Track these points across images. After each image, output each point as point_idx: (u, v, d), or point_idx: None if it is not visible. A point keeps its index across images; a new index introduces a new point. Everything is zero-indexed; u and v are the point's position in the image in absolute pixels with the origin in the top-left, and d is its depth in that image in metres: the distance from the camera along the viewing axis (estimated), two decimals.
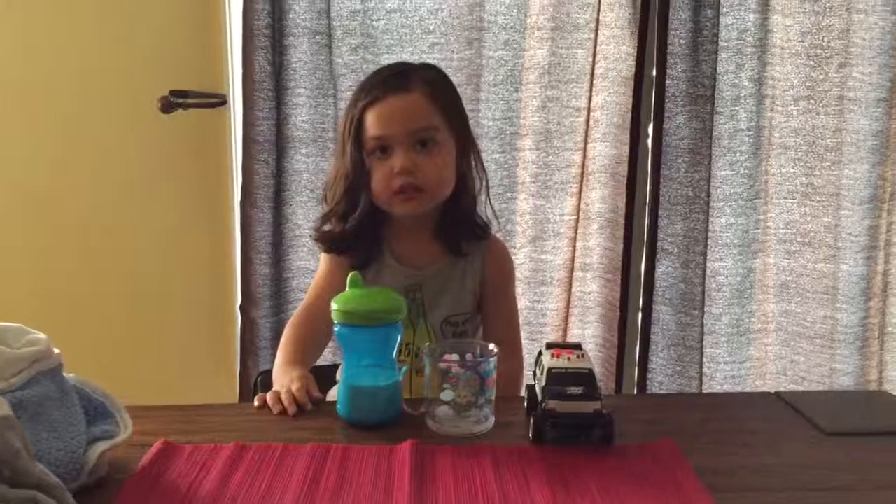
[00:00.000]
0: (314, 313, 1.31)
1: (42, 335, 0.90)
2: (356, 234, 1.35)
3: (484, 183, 1.41)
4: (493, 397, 1.07)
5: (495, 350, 1.07)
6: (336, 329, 1.05)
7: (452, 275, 1.38)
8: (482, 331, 1.42)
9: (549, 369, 1.04)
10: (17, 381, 0.87)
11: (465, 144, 1.37)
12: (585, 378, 1.03)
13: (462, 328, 1.38)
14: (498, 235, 1.48)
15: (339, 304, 1.05)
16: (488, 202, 1.43)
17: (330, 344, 1.43)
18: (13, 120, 1.89)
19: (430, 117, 1.31)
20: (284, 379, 1.21)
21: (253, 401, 1.18)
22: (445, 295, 1.37)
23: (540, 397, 1.06)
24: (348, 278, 1.08)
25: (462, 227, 1.38)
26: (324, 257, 1.40)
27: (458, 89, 1.49)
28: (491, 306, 1.40)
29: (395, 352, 1.09)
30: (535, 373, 1.11)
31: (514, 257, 2.02)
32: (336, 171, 1.37)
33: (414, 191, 1.31)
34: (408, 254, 1.38)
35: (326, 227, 1.38)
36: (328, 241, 1.37)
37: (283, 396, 1.14)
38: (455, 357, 1.06)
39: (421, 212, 1.35)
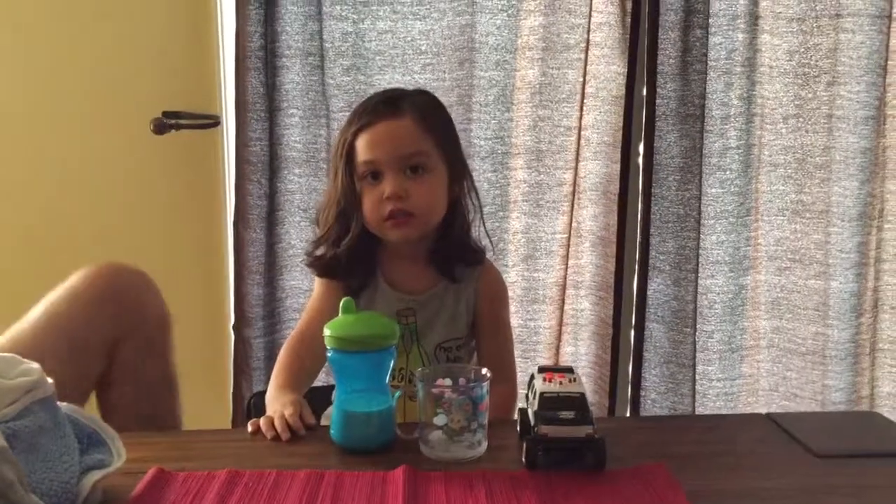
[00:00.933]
0: (308, 338, 1.32)
1: (35, 364, 0.90)
2: (349, 259, 1.35)
3: (478, 209, 1.41)
4: (485, 422, 1.08)
5: (488, 375, 1.08)
6: (329, 354, 1.06)
7: (446, 300, 1.38)
8: (476, 356, 1.42)
9: (541, 394, 1.05)
10: (11, 412, 0.87)
11: (457, 170, 1.38)
12: (577, 402, 1.04)
13: (456, 353, 1.38)
14: (491, 258, 1.48)
15: (331, 330, 1.05)
16: (482, 226, 1.44)
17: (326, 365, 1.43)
18: (6, 142, 1.89)
19: (421, 143, 1.32)
20: (277, 404, 1.21)
21: (246, 424, 1.18)
22: (439, 320, 1.38)
23: (532, 422, 1.06)
24: (341, 304, 1.09)
25: (456, 253, 1.38)
26: (318, 281, 1.41)
27: (450, 109, 1.52)
28: (485, 331, 1.41)
29: (388, 377, 1.10)
30: (527, 396, 1.12)
31: (506, 276, 2.03)
32: (328, 197, 1.38)
33: (404, 216, 1.31)
34: (401, 279, 1.39)
35: (319, 252, 1.38)
36: (321, 267, 1.37)
37: (277, 422, 1.15)
38: (448, 382, 1.06)
39: (412, 238, 1.35)
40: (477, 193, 1.42)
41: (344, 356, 1.04)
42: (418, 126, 1.32)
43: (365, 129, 1.32)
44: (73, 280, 1.34)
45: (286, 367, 1.32)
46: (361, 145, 1.32)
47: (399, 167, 1.31)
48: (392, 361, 1.08)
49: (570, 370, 1.08)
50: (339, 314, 1.07)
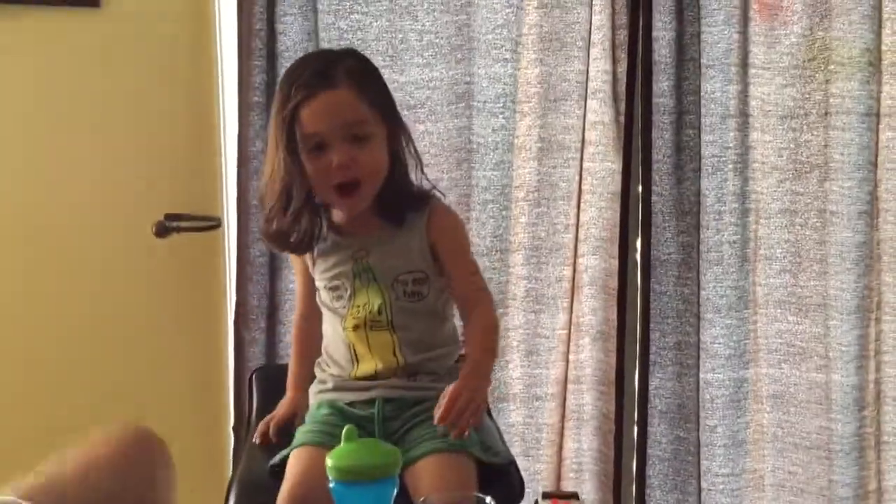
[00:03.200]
0: (305, 317, 1.57)
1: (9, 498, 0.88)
2: (298, 222, 1.43)
3: (418, 163, 1.48)
4: None
5: (492, 502, 1.05)
6: (331, 485, 1.04)
7: (396, 236, 1.45)
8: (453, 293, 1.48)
9: None
10: None
11: (394, 127, 1.44)
12: None
13: (414, 287, 1.44)
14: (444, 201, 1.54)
15: (333, 460, 1.04)
16: (424, 178, 1.50)
17: None
18: (7, 240, 1.90)
19: (360, 111, 1.38)
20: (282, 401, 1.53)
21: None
22: (391, 255, 1.45)
23: None
24: (343, 433, 1.07)
25: (400, 201, 1.45)
26: (294, 264, 1.59)
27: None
28: (446, 263, 1.46)
29: None
30: None
31: (506, 371, 2.04)
32: (270, 171, 1.44)
33: (352, 188, 1.39)
34: (349, 228, 1.47)
35: (272, 229, 1.45)
36: (277, 239, 1.46)
37: (272, 431, 1.48)
38: None
39: (364, 206, 1.42)
40: (414, 145, 1.48)
41: (345, 487, 1.03)
42: (356, 95, 1.38)
43: (304, 102, 1.36)
44: (95, 446, 1.28)
45: (294, 360, 1.58)
46: (304, 118, 1.37)
47: (343, 137, 1.37)
48: (395, 490, 1.06)
49: (574, 496, 1.07)
50: (342, 443, 1.06)
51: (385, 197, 1.44)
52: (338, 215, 1.49)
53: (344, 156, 1.36)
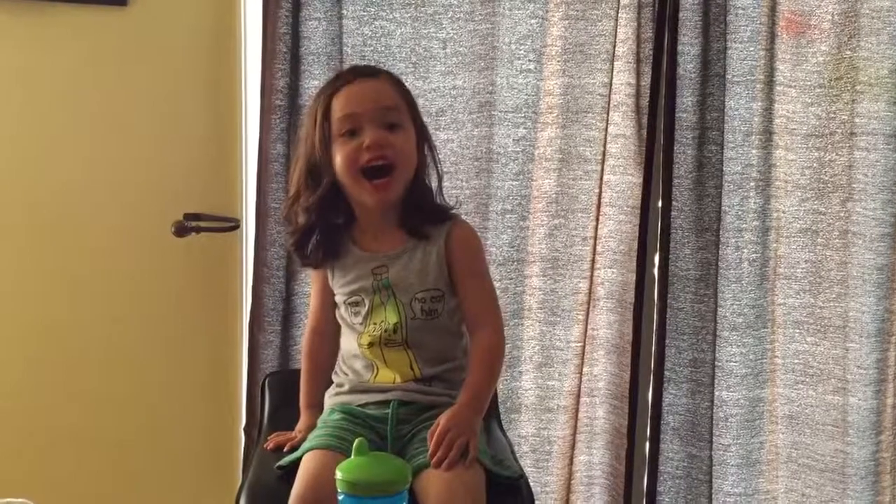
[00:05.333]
0: (318, 332, 1.56)
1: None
2: (321, 232, 1.45)
3: (440, 175, 1.51)
4: None
5: None
6: (340, 498, 1.04)
7: (416, 253, 1.45)
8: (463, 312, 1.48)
9: None
10: None
11: (422, 135, 1.47)
12: None
13: (431, 305, 1.44)
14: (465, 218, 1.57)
15: (343, 473, 1.04)
16: (441, 194, 1.52)
17: None
18: (26, 246, 1.91)
19: (395, 98, 1.43)
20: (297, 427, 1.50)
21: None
22: (410, 272, 1.45)
23: None
24: (354, 446, 1.08)
25: (422, 215, 1.46)
26: (311, 273, 1.58)
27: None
28: (460, 281, 1.46)
29: None
30: None
31: (519, 383, 2.03)
32: (298, 157, 1.48)
33: (384, 172, 1.39)
34: (371, 243, 1.48)
35: (291, 231, 1.49)
36: (300, 249, 1.48)
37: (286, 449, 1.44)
38: None
39: (392, 200, 1.43)
40: (437, 159, 1.51)
41: (355, 500, 1.03)
42: (393, 88, 1.44)
43: (342, 87, 1.42)
44: None
45: (306, 379, 1.55)
46: (340, 103, 1.40)
47: (378, 121, 1.39)
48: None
49: None
50: (353, 455, 1.06)
51: (409, 204, 1.45)
52: (360, 230, 1.49)
53: (378, 135, 1.38)
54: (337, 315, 1.53)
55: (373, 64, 1.64)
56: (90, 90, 1.88)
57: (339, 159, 1.41)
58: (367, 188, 1.41)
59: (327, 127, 1.41)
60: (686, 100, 1.91)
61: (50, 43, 1.85)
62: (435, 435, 1.32)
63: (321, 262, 1.50)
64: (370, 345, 1.46)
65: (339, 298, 1.51)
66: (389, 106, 1.41)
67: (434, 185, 1.51)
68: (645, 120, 1.93)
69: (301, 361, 1.61)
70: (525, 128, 1.95)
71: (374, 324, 1.45)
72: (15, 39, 1.84)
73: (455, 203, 1.53)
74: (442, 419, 1.34)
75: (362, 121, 1.39)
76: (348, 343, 1.52)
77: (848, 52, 1.90)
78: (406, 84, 1.53)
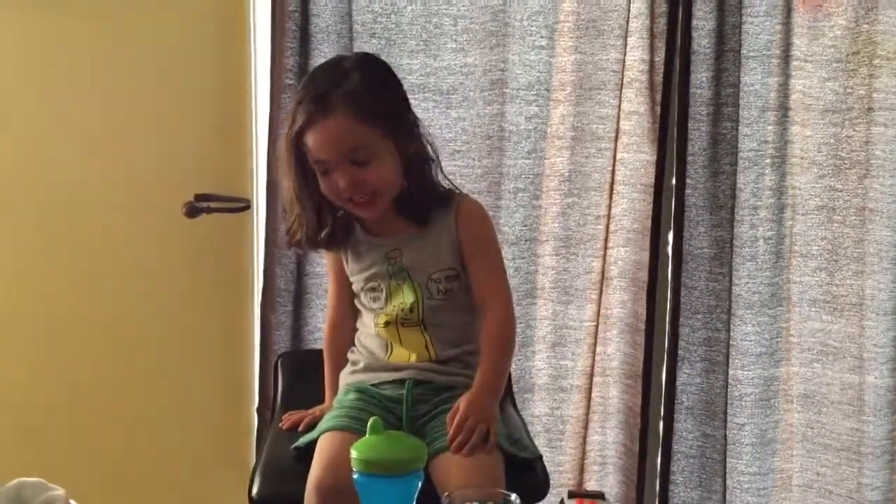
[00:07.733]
0: (338, 327, 1.56)
1: (59, 491, 0.89)
2: (327, 224, 1.46)
3: (436, 157, 1.48)
4: None
5: (517, 500, 1.04)
6: (355, 477, 1.03)
7: (427, 235, 1.46)
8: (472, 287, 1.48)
9: None
10: None
11: (404, 133, 1.42)
12: None
13: (447, 285, 1.45)
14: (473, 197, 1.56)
15: (358, 452, 1.03)
16: (440, 171, 1.50)
17: None
18: (37, 227, 1.91)
19: (359, 136, 1.37)
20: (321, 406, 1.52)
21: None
22: (425, 254, 1.46)
23: None
24: (369, 424, 1.07)
25: (424, 202, 1.46)
26: (327, 263, 1.58)
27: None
28: (469, 257, 1.46)
29: (414, 500, 1.07)
30: None
31: (532, 363, 2.02)
32: (287, 191, 1.48)
33: (365, 201, 1.40)
34: (383, 228, 1.48)
35: (296, 229, 1.48)
36: (304, 240, 1.48)
37: (302, 427, 1.48)
38: None
39: (379, 213, 1.44)
40: (430, 140, 1.48)
41: (370, 479, 1.02)
42: (353, 120, 1.36)
43: (306, 128, 1.38)
44: None
45: (328, 366, 1.55)
46: (310, 142, 1.38)
47: (345, 162, 1.38)
48: (419, 484, 1.05)
49: (601, 496, 1.05)
50: (367, 434, 1.05)
51: (404, 201, 1.45)
52: (367, 222, 1.50)
53: (347, 178, 1.38)
54: (356, 303, 1.54)
55: (343, 56, 1.55)
56: (97, 71, 1.87)
57: (322, 187, 1.42)
58: (355, 210, 1.44)
59: (302, 161, 1.41)
60: (701, 76, 1.89)
61: (60, 24, 1.84)
62: (455, 420, 1.32)
63: (334, 244, 1.50)
64: (386, 324, 1.47)
65: (356, 287, 1.52)
66: (354, 147, 1.37)
67: (435, 170, 1.49)
68: (659, 96, 1.91)
69: (323, 354, 1.60)
70: (537, 105, 1.93)
71: (393, 305, 1.46)
72: (25, 20, 1.83)
73: (457, 185, 1.52)
74: (461, 404, 1.34)
75: (330, 165, 1.39)
76: (365, 324, 1.52)
77: (865, 26, 1.86)
78: (384, 79, 1.45)
